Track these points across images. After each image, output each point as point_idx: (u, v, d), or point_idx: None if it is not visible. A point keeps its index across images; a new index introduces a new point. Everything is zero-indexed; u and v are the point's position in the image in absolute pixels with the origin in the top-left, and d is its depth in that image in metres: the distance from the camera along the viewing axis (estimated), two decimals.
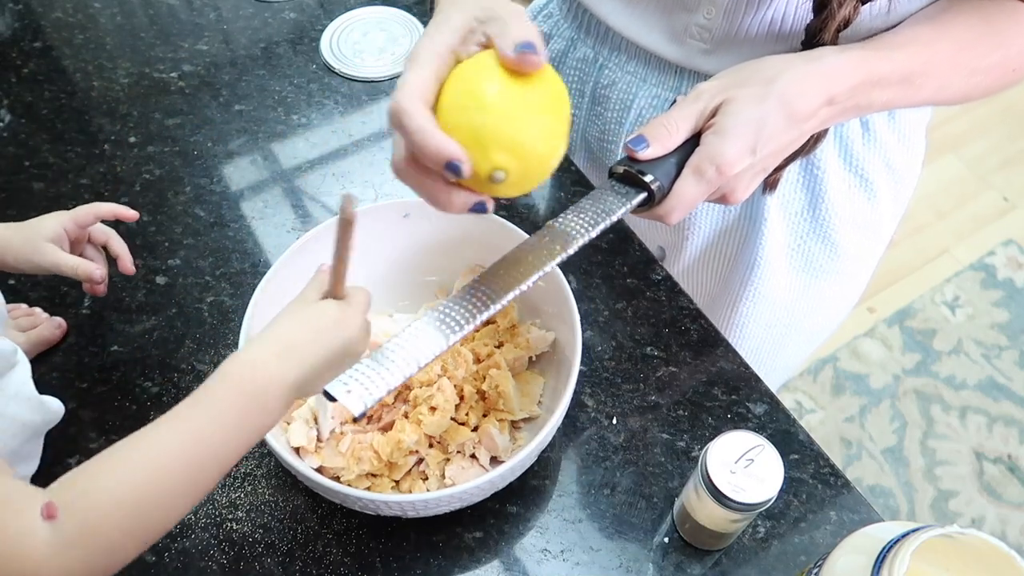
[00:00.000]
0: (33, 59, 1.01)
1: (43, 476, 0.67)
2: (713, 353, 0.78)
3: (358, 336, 0.53)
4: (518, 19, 0.47)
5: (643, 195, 0.54)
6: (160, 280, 0.82)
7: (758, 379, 0.76)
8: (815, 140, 0.69)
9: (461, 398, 0.69)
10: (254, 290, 0.66)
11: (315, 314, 0.52)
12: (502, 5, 0.49)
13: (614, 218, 0.53)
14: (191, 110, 0.97)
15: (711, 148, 0.54)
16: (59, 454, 0.69)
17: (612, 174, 0.55)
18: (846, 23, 0.60)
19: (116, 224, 0.86)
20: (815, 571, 0.57)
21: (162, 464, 0.45)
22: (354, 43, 1.04)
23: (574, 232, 0.51)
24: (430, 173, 0.48)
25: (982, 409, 1.75)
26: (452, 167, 0.45)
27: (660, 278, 0.82)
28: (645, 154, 0.54)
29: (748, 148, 0.55)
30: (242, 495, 0.69)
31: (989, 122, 2.26)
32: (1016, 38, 0.62)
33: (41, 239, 0.66)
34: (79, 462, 0.70)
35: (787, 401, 1.75)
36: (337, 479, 0.65)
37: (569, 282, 0.69)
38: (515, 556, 0.66)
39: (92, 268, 0.67)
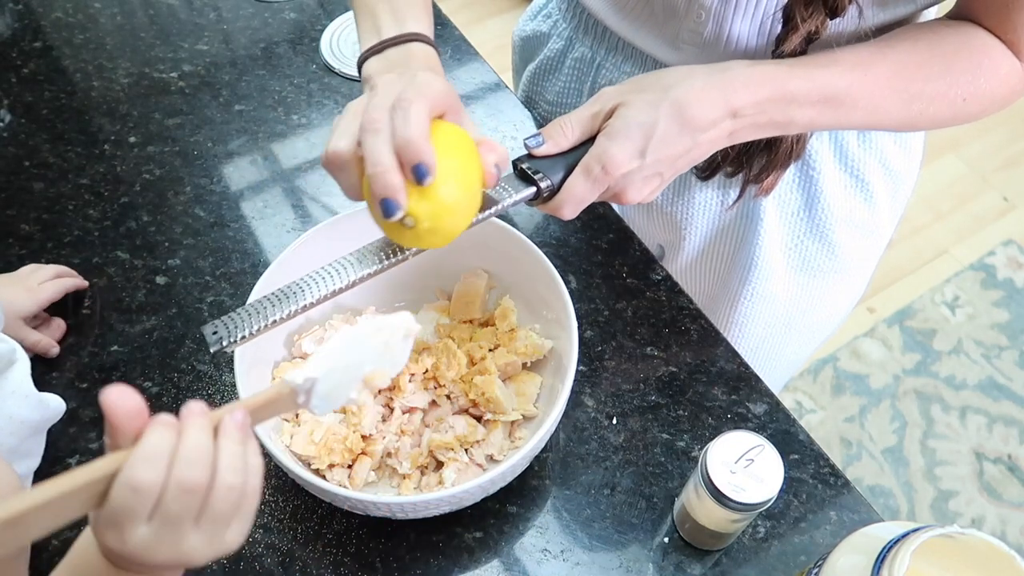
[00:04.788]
0: (33, 59, 1.01)
1: (44, 475, 0.68)
2: (713, 353, 0.78)
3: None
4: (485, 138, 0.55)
5: (531, 190, 0.58)
6: (160, 280, 0.82)
7: (758, 379, 0.76)
8: (802, 144, 0.70)
9: (448, 397, 0.69)
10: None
11: None
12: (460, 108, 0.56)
13: (500, 209, 0.57)
14: (191, 110, 0.97)
15: (599, 148, 0.57)
16: (59, 454, 0.70)
17: (514, 167, 0.59)
18: (812, 35, 0.60)
19: (118, 218, 0.87)
20: (815, 571, 0.57)
21: None
22: (354, 43, 1.04)
23: None
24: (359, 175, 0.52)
25: (982, 409, 1.75)
26: (419, 171, 0.48)
27: (660, 278, 0.82)
28: (539, 151, 0.58)
29: (636, 151, 0.57)
30: None
31: (989, 122, 2.26)
32: (963, 64, 0.61)
33: (15, 316, 0.72)
34: (79, 461, 0.70)
35: (787, 401, 1.75)
36: (316, 470, 0.65)
37: (569, 282, 0.69)
38: (515, 556, 0.66)
39: (49, 347, 0.75)
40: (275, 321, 0.53)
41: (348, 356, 0.47)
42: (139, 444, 0.38)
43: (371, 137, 0.49)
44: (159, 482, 0.38)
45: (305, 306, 0.53)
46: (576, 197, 0.58)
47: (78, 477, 0.37)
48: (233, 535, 0.41)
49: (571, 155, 0.59)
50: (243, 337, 0.52)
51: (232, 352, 0.52)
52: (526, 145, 0.58)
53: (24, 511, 0.35)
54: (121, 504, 0.37)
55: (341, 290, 0.54)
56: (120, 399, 0.38)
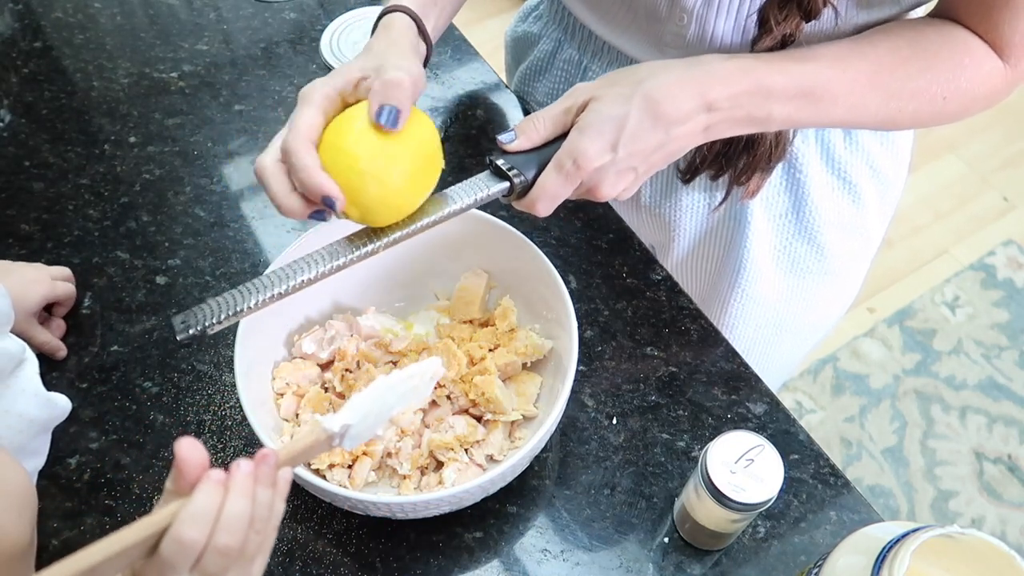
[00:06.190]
0: (33, 59, 1.01)
1: (45, 474, 0.68)
2: (713, 353, 0.78)
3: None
4: (395, 79, 0.54)
5: (504, 185, 0.58)
6: (160, 280, 0.82)
7: (758, 379, 0.76)
8: (782, 146, 0.69)
9: (448, 397, 0.69)
10: None
11: None
12: (393, 62, 0.56)
13: (471, 203, 0.58)
14: (191, 110, 0.97)
15: (571, 143, 0.57)
16: (60, 453, 0.70)
17: (489, 163, 0.59)
18: (788, 38, 0.60)
19: (118, 218, 0.87)
20: (815, 571, 0.57)
21: None
22: (354, 43, 1.04)
23: (435, 212, 0.57)
24: (287, 180, 0.55)
25: (982, 409, 1.75)
26: (328, 202, 0.53)
27: (660, 278, 0.82)
28: (512, 146, 0.58)
29: (608, 145, 0.56)
30: None
31: (989, 122, 2.26)
32: (945, 63, 0.60)
33: (25, 311, 0.72)
34: (79, 462, 0.70)
35: (787, 401, 1.75)
36: (316, 470, 0.65)
37: (569, 282, 0.69)
38: (515, 556, 0.66)
39: (56, 349, 0.75)
40: (242, 311, 0.54)
41: (381, 401, 0.52)
42: (189, 501, 0.42)
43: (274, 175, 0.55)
44: (202, 541, 0.42)
45: (274, 296, 0.54)
46: (549, 192, 0.58)
47: (141, 529, 0.42)
48: (257, 568, 0.46)
49: (545, 151, 0.58)
50: (210, 325, 0.53)
51: (210, 334, 0.54)
52: (499, 141, 0.58)
53: (99, 562, 0.40)
54: (169, 556, 0.42)
55: (311, 280, 0.55)
56: (191, 452, 0.42)
